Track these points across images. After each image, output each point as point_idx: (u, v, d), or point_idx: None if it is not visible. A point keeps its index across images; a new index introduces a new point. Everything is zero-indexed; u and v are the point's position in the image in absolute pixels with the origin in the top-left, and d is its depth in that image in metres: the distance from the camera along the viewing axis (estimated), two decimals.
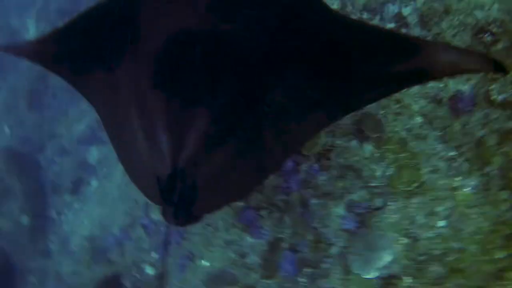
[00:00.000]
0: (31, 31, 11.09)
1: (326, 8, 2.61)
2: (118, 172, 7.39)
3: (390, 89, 2.46)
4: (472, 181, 3.93)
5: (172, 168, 2.27)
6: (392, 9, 5.22)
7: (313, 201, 4.64)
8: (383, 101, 4.50)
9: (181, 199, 2.32)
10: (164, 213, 2.50)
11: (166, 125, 2.40)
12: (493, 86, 3.99)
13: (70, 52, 2.86)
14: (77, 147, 8.76)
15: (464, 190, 3.97)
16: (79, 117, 9.01)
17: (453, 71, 2.31)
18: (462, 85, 4.17)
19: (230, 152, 2.45)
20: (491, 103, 3.99)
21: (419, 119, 4.34)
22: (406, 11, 5.10)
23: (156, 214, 6.30)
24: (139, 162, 2.58)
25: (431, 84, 4.36)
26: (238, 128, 2.47)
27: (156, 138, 2.40)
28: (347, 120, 4.61)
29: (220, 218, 5.29)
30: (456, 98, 4.20)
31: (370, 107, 4.54)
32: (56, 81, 9.37)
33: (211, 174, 2.43)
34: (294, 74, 2.49)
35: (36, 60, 2.93)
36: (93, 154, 8.48)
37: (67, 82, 2.92)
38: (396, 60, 2.33)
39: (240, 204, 5.09)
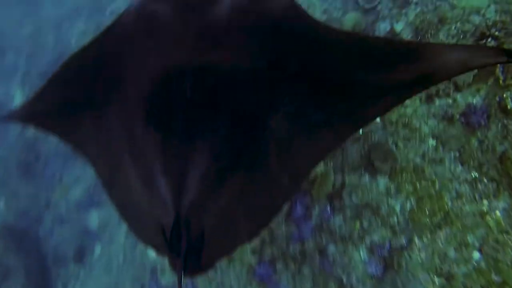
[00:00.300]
0: (17, 98, 10.94)
1: (317, 23, 2.50)
2: (121, 234, 7.09)
3: (397, 97, 2.29)
4: (502, 203, 3.55)
5: (175, 215, 2.12)
6: (383, 26, 5.00)
7: (331, 247, 4.24)
8: (389, 128, 4.17)
9: (188, 248, 2.17)
10: (172, 264, 2.30)
11: (163, 168, 2.28)
12: (506, 94, 3.62)
13: (58, 105, 2.81)
14: (76, 214, 8.47)
15: (495, 214, 3.55)
16: (74, 182, 8.76)
17: (462, 68, 2.12)
18: (472, 97, 3.83)
19: (235, 189, 2.33)
20: (507, 112, 3.62)
21: (431, 142, 3.99)
22: (398, 27, 4.85)
23: (164, 278, 5.91)
24: (140, 212, 2.47)
25: (438, 101, 4.02)
26: (241, 161, 2.35)
27: (155, 183, 2.27)
28: (354, 154, 4.24)
29: (234, 276, 4.86)
30: (467, 112, 3.87)
31: (377, 136, 4.19)
32: (46, 148, 9.24)
33: (218, 215, 2.31)
34: (294, 96, 2.38)
35: (25, 120, 2.90)
36: (93, 219, 8.18)
37: (59, 137, 2.86)
38: (400, 66, 2.22)
39: (253, 258, 4.67)
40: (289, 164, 2.38)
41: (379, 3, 5.07)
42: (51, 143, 9.27)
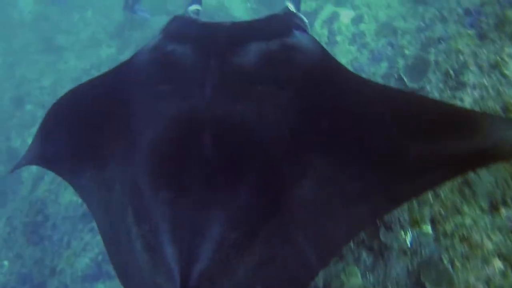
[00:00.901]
0: None
1: (355, 77, 2.30)
2: None
3: (445, 173, 2.00)
4: None
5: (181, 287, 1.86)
6: None
7: None
8: (444, 241, 3.43)
9: None
10: None
11: (171, 233, 2.03)
12: None
13: (64, 149, 2.71)
14: (81, 284, 7.74)
15: None
16: (82, 249, 8.15)
17: None
18: None
19: (253, 262, 2.02)
20: None
21: (498, 264, 3.20)
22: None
23: None
24: (141, 281, 2.17)
25: (505, 212, 3.28)
26: (262, 233, 2.06)
27: (161, 249, 2.02)
28: (400, 271, 3.48)
29: None
30: None
31: (428, 250, 3.44)
32: (55, 210, 8.71)
33: None
34: (326, 160, 2.13)
35: (34, 163, 2.85)
36: None
37: (66, 180, 2.77)
38: (452, 136, 2.00)
39: None
40: (317, 238, 2.08)
41: (428, 83, 4.42)
42: (61, 204, 8.78)
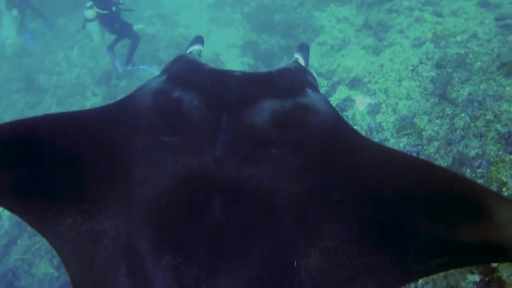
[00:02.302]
0: None
1: (368, 143, 2.29)
2: None
3: (457, 260, 1.93)
4: None
5: None
6: None
7: None
8: None
9: None
10: None
11: None
12: None
13: (32, 184, 2.27)
14: None
15: None
16: None
17: None
18: None
19: None
20: None
21: None
22: None
23: None
24: None
25: None
26: None
27: None
28: None
29: None
30: None
31: None
32: (28, 284, 8.25)
33: None
34: (333, 231, 2.06)
35: None
36: None
37: (30, 224, 2.31)
38: (467, 220, 1.89)
39: None
40: None
41: None
42: (34, 277, 8.30)
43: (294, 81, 2.59)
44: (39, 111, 11.68)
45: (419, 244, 2.00)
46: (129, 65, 10.13)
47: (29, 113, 11.81)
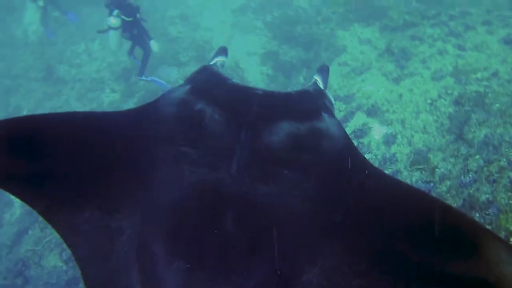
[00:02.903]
0: None
1: (375, 171, 2.40)
2: None
3: None
4: None
5: None
6: None
7: None
8: None
9: None
10: None
11: None
12: None
13: (52, 174, 2.36)
14: None
15: None
16: None
17: None
18: None
19: None
20: None
21: None
22: None
23: None
24: None
25: None
26: None
27: None
28: None
29: None
30: None
31: None
32: (37, 274, 8.40)
33: None
34: (333, 251, 2.21)
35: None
36: None
37: (41, 213, 2.36)
38: (461, 256, 2.00)
39: None
40: None
41: None
42: (44, 268, 8.45)
43: (312, 105, 2.73)
44: (56, 103, 11.86)
45: (412, 274, 2.10)
46: (143, 76, 10.20)
47: (47, 104, 12.02)
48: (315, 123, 2.56)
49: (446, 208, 2.30)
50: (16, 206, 9.95)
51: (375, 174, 2.47)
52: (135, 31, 9.67)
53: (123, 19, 9.33)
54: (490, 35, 7.82)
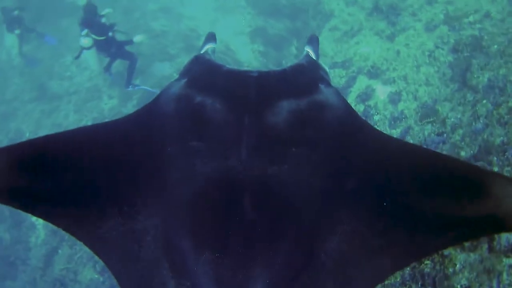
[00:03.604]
0: None
1: (378, 134, 2.54)
2: None
3: (461, 235, 2.25)
4: None
5: None
6: None
7: None
8: None
9: None
10: None
11: None
12: None
13: (67, 189, 2.44)
14: None
15: None
16: None
17: None
18: None
19: None
20: None
21: None
22: None
23: None
24: None
25: None
26: (296, 285, 2.29)
27: None
28: None
29: None
30: None
31: None
32: None
33: None
34: (351, 217, 2.36)
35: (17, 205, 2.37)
36: None
37: (64, 228, 2.45)
38: (467, 198, 2.17)
39: None
40: (343, 287, 2.33)
41: None
42: (81, 283, 8.76)
43: (308, 78, 2.78)
44: (56, 119, 11.96)
45: (427, 223, 2.27)
46: (130, 87, 10.22)
47: (46, 122, 12.12)
48: (314, 96, 2.65)
49: (448, 158, 2.56)
50: (39, 228, 10.05)
51: (377, 135, 2.61)
52: (112, 49, 9.64)
53: (94, 38, 9.29)
54: None
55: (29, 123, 12.24)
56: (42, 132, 11.29)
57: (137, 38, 9.81)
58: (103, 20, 9.38)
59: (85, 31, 9.31)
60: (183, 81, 2.73)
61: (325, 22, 9.20)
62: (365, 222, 2.39)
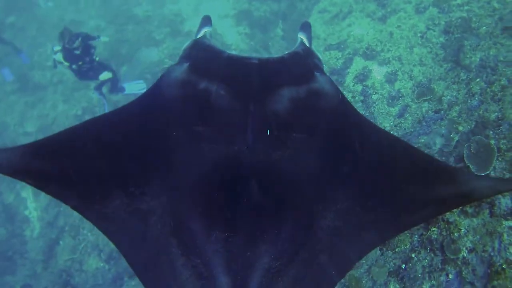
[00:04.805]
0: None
1: (365, 120, 2.86)
2: None
3: (436, 210, 2.75)
4: None
5: None
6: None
7: None
8: None
9: None
10: None
11: (226, 266, 2.44)
12: None
13: (78, 171, 2.64)
14: None
15: None
16: None
17: (492, 193, 2.87)
18: None
19: (289, 283, 2.53)
20: None
21: None
22: None
23: None
24: None
25: None
26: (296, 258, 2.56)
27: (215, 279, 2.44)
28: None
29: None
30: None
31: None
32: (82, 280, 8.99)
33: None
34: (343, 196, 2.68)
35: (10, 172, 2.57)
36: None
37: (72, 206, 2.66)
38: (440, 183, 2.68)
39: None
40: (337, 257, 2.63)
41: (493, 170, 4.98)
42: (87, 272, 9.02)
43: (304, 67, 2.96)
44: (42, 110, 12.02)
45: (410, 201, 2.71)
46: (119, 93, 10.07)
47: (32, 113, 12.16)
48: (311, 84, 2.80)
49: (425, 155, 3.04)
50: (34, 221, 10.22)
51: (366, 123, 2.96)
52: (90, 73, 9.46)
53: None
54: None
55: (13, 116, 12.22)
56: (28, 124, 11.40)
57: (103, 38, 9.72)
58: (77, 52, 8.97)
59: (57, 47, 9.09)
60: (185, 65, 2.82)
61: (314, 5, 9.45)
62: (357, 201, 2.71)
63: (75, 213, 8.54)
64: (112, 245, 8.09)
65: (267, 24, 11.15)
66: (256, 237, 2.54)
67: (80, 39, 8.88)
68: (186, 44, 3.14)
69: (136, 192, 2.64)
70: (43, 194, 10.02)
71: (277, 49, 10.43)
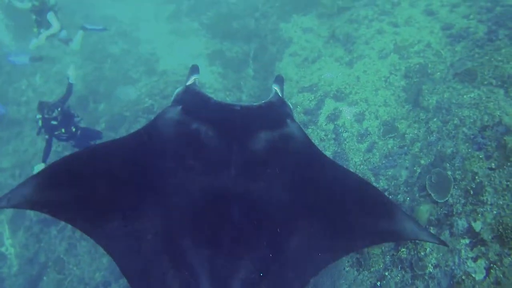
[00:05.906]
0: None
1: (327, 160, 3.29)
2: None
3: (373, 241, 3.32)
4: None
5: None
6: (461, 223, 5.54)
7: None
8: None
9: None
10: None
11: (211, 278, 2.78)
12: None
13: (80, 198, 2.94)
14: None
15: None
16: None
17: (414, 238, 3.35)
18: None
19: None
20: None
21: None
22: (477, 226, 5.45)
23: None
24: None
25: None
26: (269, 271, 2.94)
27: (199, 287, 2.78)
28: None
29: None
30: None
31: None
32: None
33: None
34: (307, 223, 3.10)
35: (40, 208, 2.88)
36: None
37: (82, 230, 2.96)
38: (381, 218, 3.20)
39: None
40: (301, 270, 3.05)
41: (451, 197, 5.84)
42: None
43: (278, 114, 3.49)
44: (20, 146, 11.90)
45: (358, 230, 3.17)
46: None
47: (8, 148, 11.94)
48: (284, 129, 3.39)
49: (374, 188, 3.62)
50: (11, 258, 10.01)
51: (327, 162, 3.43)
52: (75, 142, 9.31)
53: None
54: (413, 8, 9.05)
55: None
56: (3, 160, 11.44)
57: (69, 72, 9.42)
58: (54, 122, 8.78)
59: (38, 116, 8.86)
60: (179, 108, 3.29)
61: (285, 48, 10.17)
62: (317, 228, 3.11)
63: (59, 248, 8.85)
64: (98, 279, 8.47)
65: (240, 64, 11.69)
66: (236, 253, 2.92)
67: (59, 109, 8.76)
68: (178, 89, 3.68)
69: (132, 215, 2.95)
70: (21, 229, 10.26)
71: (249, 88, 10.99)
